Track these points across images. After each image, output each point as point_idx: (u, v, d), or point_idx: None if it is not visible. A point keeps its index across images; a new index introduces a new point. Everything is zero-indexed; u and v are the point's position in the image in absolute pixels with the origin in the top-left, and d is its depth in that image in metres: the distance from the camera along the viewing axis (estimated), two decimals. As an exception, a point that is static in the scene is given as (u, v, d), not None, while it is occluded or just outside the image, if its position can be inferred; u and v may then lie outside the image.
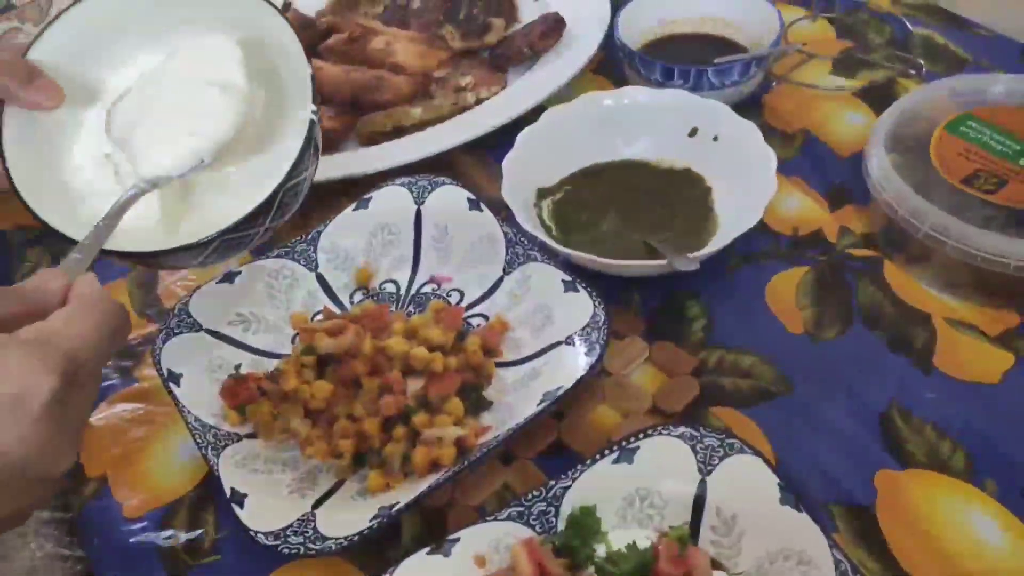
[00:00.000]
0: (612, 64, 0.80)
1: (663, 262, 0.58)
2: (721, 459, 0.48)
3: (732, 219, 0.62)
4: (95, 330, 0.37)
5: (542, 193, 0.67)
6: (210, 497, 0.54)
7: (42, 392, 0.33)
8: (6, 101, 0.49)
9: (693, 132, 0.68)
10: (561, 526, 0.47)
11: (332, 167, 0.73)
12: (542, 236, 0.60)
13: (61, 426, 0.34)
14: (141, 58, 0.53)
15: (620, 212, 0.66)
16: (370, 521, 0.47)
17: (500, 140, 0.69)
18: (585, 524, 0.46)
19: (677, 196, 0.66)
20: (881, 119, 0.67)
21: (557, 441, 0.54)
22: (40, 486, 0.35)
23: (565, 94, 0.74)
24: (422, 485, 0.49)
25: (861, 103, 0.76)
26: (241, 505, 0.48)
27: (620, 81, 0.77)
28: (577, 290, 0.56)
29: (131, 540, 0.52)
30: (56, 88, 0.50)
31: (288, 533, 0.47)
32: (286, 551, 0.46)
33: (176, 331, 0.58)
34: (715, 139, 0.67)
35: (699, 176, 0.67)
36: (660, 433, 0.49)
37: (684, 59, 0.72)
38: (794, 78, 0.79)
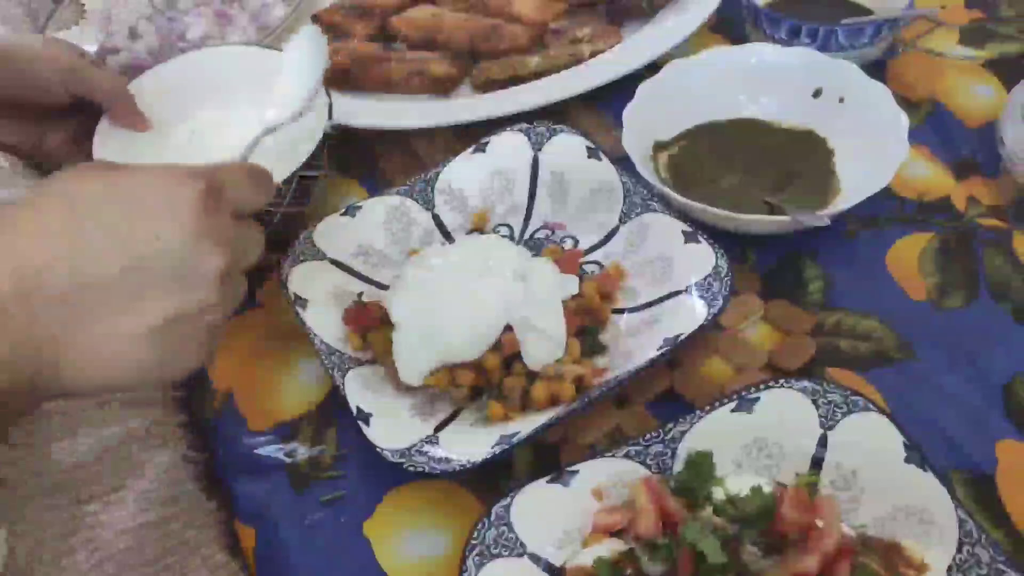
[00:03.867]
0: (730, 22, 0.79)
1: (788, 218, 0.58)
2: (844, 415, 0.47)
3: (856, 183, 0.61)
4: (237, 167, 0.41)
5: (659, 146, 0.67)
6: (331, 417, 0.56)
7: (191, 194, 0.37)
8: (107, 114, 0.63)
9: (818, 93, 0.67)
10: (677, 468, 0.47)
11: (447, 112, 0.74)
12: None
13: (210, 228, 0.37)
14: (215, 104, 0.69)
15: (738, 170, 0.65)
16: (493, 447, 0.48)
17: (614, 94, 0.69)
18: (703, 467, 0.47)
19: (798, 158, 0.65)
20: (1016, 90, 0.65)
21: (670, 389, 0.55)
22: (196, 283, 0.37)
23: (681, 51, 0.74)
24: (540, 419, 0.50)
25: (989, 74, 0.73)
26: (367, 423, 0.50)
27: (739, 40, 0.76)
28: (698, 241, 0.56)
29: (255, 451, 0.55)
30: (145, 119, 0.65)
31: (413, 452, 0.49)
32: (411, 469, 0.47)
33: (301, 258, 0.60)
34: (841, 100, 0.65)
35: (822, 138, 0.66)
36: (782, 386, 0.49)
37: (809, 18, 0.70)
38: (921, 45, 0.76)
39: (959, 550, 0.42)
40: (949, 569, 0.42)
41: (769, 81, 0.68)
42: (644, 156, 0.65)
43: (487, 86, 0.77)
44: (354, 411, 0.51)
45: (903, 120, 0.61)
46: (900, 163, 0.58)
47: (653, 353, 0.51)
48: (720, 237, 0.58)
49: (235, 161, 0.42)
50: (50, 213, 0.36)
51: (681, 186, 0.64)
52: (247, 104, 0.67)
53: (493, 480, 0.51)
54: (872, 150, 0.61)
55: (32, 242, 0.36)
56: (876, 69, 0.73)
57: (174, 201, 0.37)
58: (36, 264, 0.35)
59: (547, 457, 0.52)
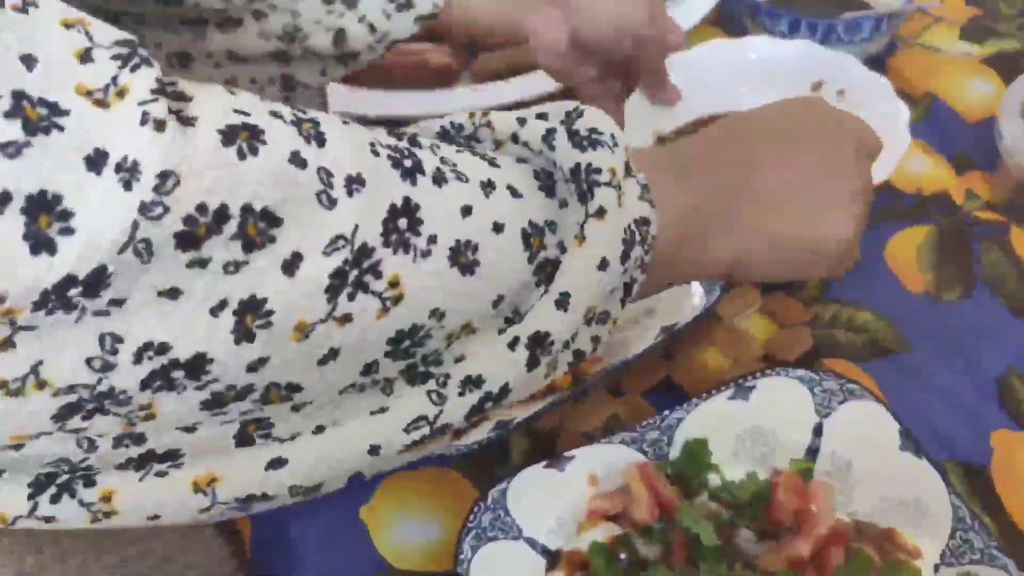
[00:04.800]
0: (730, 17, 0.79)
1: None
2: (840, 403, 0.48)
3: None
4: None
5: (660, 141, 0.67)
6: (327, 404, 0.56)
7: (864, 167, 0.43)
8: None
9: (817, 86, 0.67)
10: (673, 455, 0.48)
11: (448, 102, 0.74)
12: None
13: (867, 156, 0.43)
14: None
15: None
16: (489, 432, 0.48)
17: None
18: (699, 454, 0.47)
19: None
20: (1014, 86, 0.65)
21: (667, 379, 0.55)
22: (854, 166, 0.41)
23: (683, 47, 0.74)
24: (536, 405, 0.50)
25: (989, 70, 0.74)
26: (364, 409, 0.50)
27: (738, 34, 0.76)
28: (696, 231, 0.56)
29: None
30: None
31: (410, 438, 0.49)
32: (408, 454, 0.48)
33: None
34: (840, 93, 0.66)
35: None
36: (778, 374, 0.49)
37: (809, 12, 0.70)
38: (921, 40, 0.77)
39: (952, 536, 0.42)
40: (942, 555, 0.42)
41: (769, 74, 0.68)
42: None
43: (487, 78, 0.77)
44: (351, 396, 0.51)
45: (904, 112, 0.61)
46: (901, 155, 0.58)
47: (651, 342, 0.52)
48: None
49: None
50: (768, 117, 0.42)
51: None
52: None
53: (489, 467, 0.51)
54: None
55: (743, 122, 0.42)
56: (876, 64, 0.74)
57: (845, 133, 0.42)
58: (736, 132, 0.41)
59: (543, 445, 0.52)
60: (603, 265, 0.32)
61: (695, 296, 0.54)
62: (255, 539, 0.51)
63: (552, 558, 0.45)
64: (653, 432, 0.48)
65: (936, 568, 0.42)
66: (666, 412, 0.49)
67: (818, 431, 0.48)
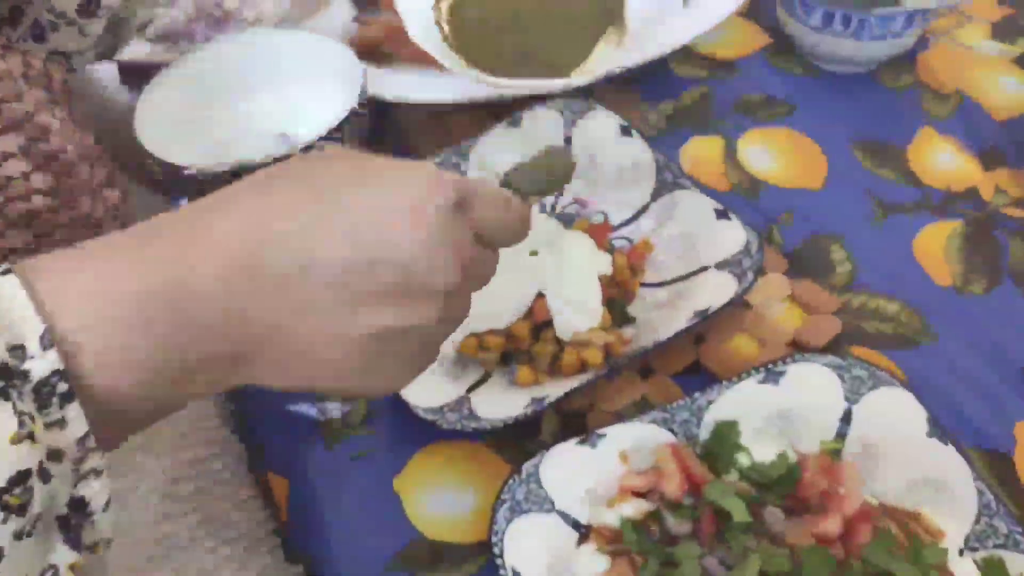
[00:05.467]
0: (762, 8, 0.80)
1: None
2: (869, 389, 0.48)
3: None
4: (497, 192, 0.37)
5: None
6: (361, 377, 0.57)
7: (440, 202, 0.33)
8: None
9: None
10: (703, 436, 0.49)
11: (482, 87, 0.75)
12: (437, 43, 0.57)
13: (448, 243, 0.33)
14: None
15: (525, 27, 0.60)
16: (524, 408, 0.49)
17: (647, 76, 0.70)
18: (728, 436, 0.48)
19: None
20: (1045, 84, 0.65)
21: (696, 363, 0.56)
22: (420, 298, 0.33)
23: (713, 36, 0.75)
24: (569, 383, 0.51)
25: (1018, 69, 0.74)
26: (400, 382, 0.51)
27: (771, 26, 0.77)
28: (729, 218, 0.57)
29: (288, 407, 0.56)
30: None
31: (445, 410, 0.50)
32: (444, 426, 0.49)
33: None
34: None
35: None
36: (808, 360, 0.50)
37: (842, 5, 0.71)
38: (952, 38, 0.77)
39: (977, 521, 0.43)
40: (967, 539, 0.43)
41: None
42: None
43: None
44: (388, 369, 0.52)
45: None
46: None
47: (683, 324, 0.53)
48: (747, 217, 0.59)
49: (496, 187, 0.38)
50: (289, 188, 0.33)
51: (462, 41, 0.60)
52: (298, 91, 0.69)
53: (519, 443, 0.52)
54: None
55: (265, 215, 0.32)
56: (908, 60, 0.75)
57: (419, 205, 0.33)
58: (263, 237, 0.31)
59: (574, 424, 0.53)
60: None
61: (727, 280, 0.55)
62: (291, 504, 0.52)
63: (583, 531, 0.46)
64: (683, 413, 0.49)
65: (960, 552, 0.43)
66: (696, 394, 0.50)
67: (847, 417, 0.48)
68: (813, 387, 0.49)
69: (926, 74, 0.74)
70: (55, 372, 0.27)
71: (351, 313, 0.32)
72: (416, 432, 0.52)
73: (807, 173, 0.67)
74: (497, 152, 0.67)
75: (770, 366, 0.50)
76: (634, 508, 0.45)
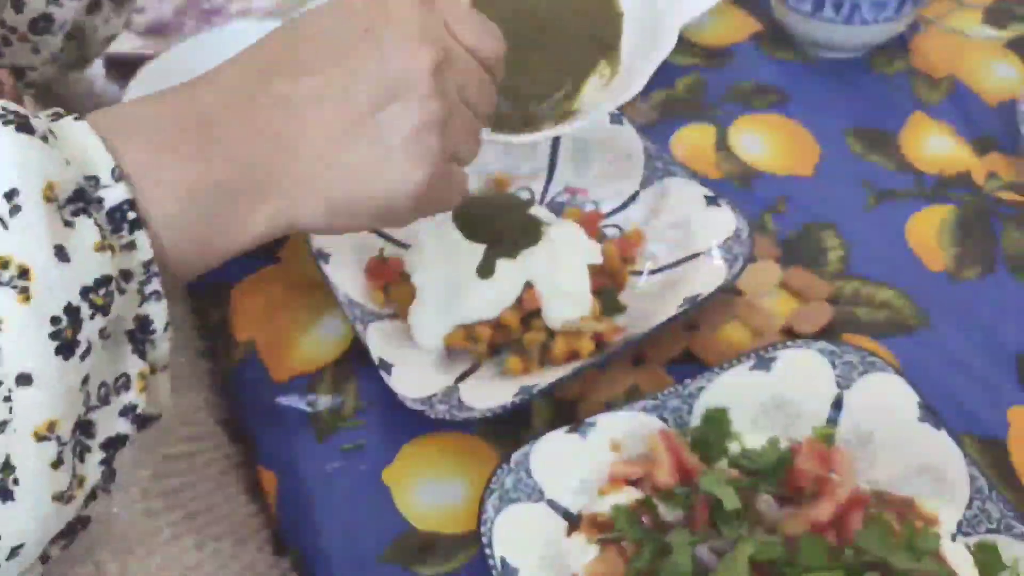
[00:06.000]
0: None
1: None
2: (860, 375, 0.48)
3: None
4: (464, 8, 0.39)
5: None
6: (351, 370, 0.56)
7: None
8: None
9: None
10: (694, 424, 0.48)
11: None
12: None
13: (415, 26, 0.36)
14: None
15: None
16: (513, 396, 0.49)
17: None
18: (719, 423, 0.47)
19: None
20: (1038, 68, 0.65)
21: (687, 351, 0.56)
22: (405, 82, 0.36)
23: (703, 23, 0.75)
24: (559, 372, 0.51)
25: (1011, 54, 0.74)
26: (389, 372, 0.51)
27: (762, 13, 0.77)
28: (719, 205, 0.57)
29: (277, 400, 0.56)
30: None
31: (434, 400, 0.49)
32: (432, 416, 0.48)
33: (325, 213, 0.60)
34: None
35: None
36: (799, 346, 0.49)
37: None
38: (944, 23, 0.77)
39: (970, 506, 0.43)
40: (960, 524, 0.43)
41: None
42: None
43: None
44: (376, 361, 0.51)
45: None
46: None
47: (673, 311, 0.52)
48: (739, 205, 0.58)
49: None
50: (277, 33, 0.37)
51: None
52: None
53: (511, 433, 0.52)
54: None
55: (258, 53, 0.36)
56: (900, 46, 0.74)
57: (387, 3, 0.36)
58: (259, 68, 0.36)
59: (565, 413, 0.53)
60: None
61: (718, 267, 0.54)
62: (280, 498, 0.52)
63: (573, 520, 0.46)
64: (674, 400, 0.49)
65: (954, 537, 0.43)
66: (687, 381, 0.49)
67: (838, 403, 0.48)
68: (804, 373, 0.49)
69: (918, 59, 0.73)
70: (125, 201, 0.31)
71: (346, 102, 0.35)
72: (406, 423, 0.51)
73: (799, 160, 0.67)
74: (486, 145, 0.66)
75: (761, 352, 0.49)
76: (625, 496, 0.45)
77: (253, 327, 0.60)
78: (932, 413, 0.46)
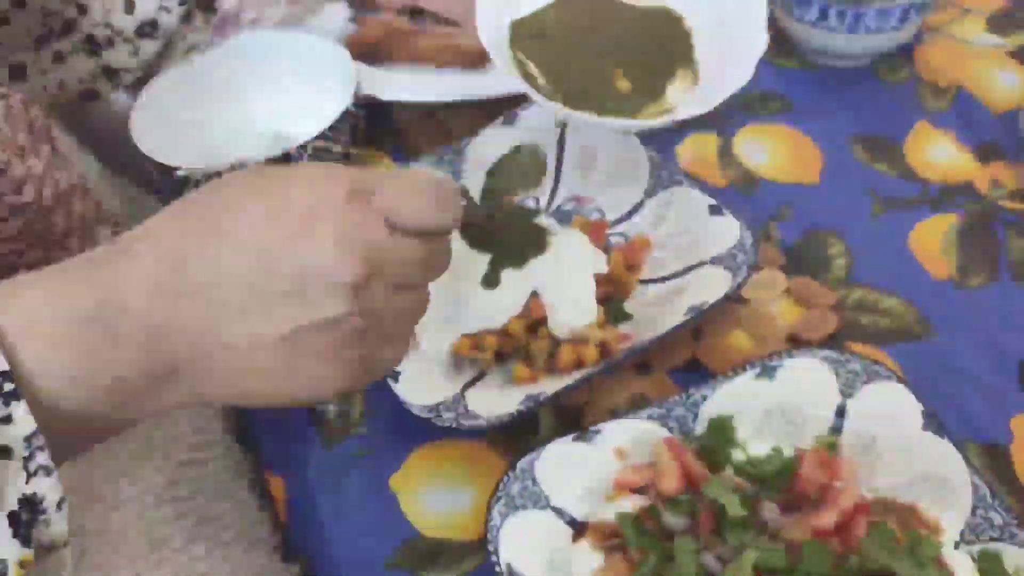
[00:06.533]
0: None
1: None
2: (864, 383, 0.48)
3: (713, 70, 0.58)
4: (405, 175, 0.37)
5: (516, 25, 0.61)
6: (359, 377, 0.57)
7: (337, 193, 0.34)
8: None
9: None
10: (698, 432, 0.49)
11: (478, 86, 0.75)
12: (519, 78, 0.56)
13: (341, 232, 0.33)
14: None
15: (595, 53, 0.59)
16: (519, 404, 0.49)
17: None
18: (724, 431, 0.48)
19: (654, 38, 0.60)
20: (1042, 76, 0.65)
21: (693, 359, 0.56)
22: (329, 293, 0.33)
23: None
24: (565, 380, 0.51)
25: (1014, 62, 0.74)
26: (395, 380, 0.51)
27: (767, 20, 0.77)
28: (723, 214, 0.57)
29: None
30: None
31: (441, 408, 0.50)
32: (439, 424, 0.49)
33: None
34: None
35: (677, 17, 0.61)
36: (804, 354, 0.50)
37: (838, 0, 0.70)
38: (948, 31, 0.77)
39: (973, 514, 0.43)
40: (963, 532, 0.43)
41: None
42: (501, 37, 0.59)
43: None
44: (384, 368, 0.52)
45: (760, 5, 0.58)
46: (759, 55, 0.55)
47: (679, 319, 0.53)
48: (744, 213, 0.59)
49: (414, 171, 0.39)
50: (200, 209, 0.35)
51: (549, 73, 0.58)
52: (294, 92, 0.70)
53: (517, 441, 0.53)
54: (731, 33, 0.58)
55: (179, 236, 0.34)
56: (904, 54, 0.74)
57: (313, 203, 0.34)
58: (179, 255, 0.33)
59: (570, 421, 0.54)
60: None
61: (723, 275, 0.55)
62: (289, 504, 0.52)
63: (579, 528, 0.46)
64: (679, 408, 0.49)
65: (956, 544, 0.43)
66: (692, 389, 0.50)
67: (842, 411, 0.48)
68: (809, 381, 0.49)
69: (923, 68, 0.74)
70: (1, 372, 0.29)
71: (263, 315, 0.33)
72: (413, 431, 0.52)
73: (804, 168, 0.67)
74: (493, 149, 0.67)
75: (765, 361, 0.50)
76: (630, 504, 0.45)
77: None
78: (936, 421, 0.46)
